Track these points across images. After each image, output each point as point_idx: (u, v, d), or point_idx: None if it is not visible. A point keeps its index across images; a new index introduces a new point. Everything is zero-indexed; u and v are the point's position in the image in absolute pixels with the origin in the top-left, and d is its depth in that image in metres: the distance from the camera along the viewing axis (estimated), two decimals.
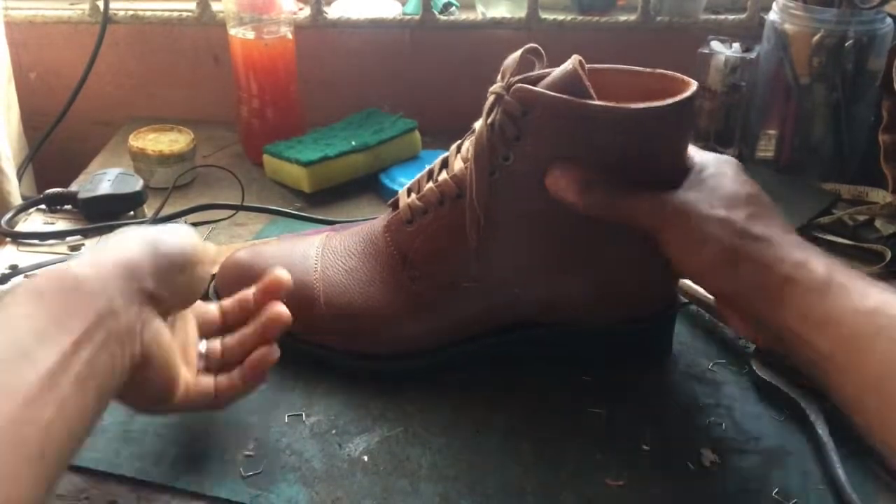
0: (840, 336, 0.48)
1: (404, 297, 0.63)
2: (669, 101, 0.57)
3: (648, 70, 0.62)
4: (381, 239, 0.65)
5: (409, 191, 0.65)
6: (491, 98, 0.60)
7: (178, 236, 0.51)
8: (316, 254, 0.66)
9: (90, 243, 0.76)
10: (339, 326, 0.63)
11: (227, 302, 0.60)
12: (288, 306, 0.57)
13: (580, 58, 0.58)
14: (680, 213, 0.55)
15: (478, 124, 0.61)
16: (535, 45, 0.61)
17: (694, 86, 0.59)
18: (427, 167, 0.66)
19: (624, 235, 0.58)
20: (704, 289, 0.65)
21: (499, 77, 0.60)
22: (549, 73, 0.59)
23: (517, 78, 0.59)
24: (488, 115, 0.60)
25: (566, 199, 0.57)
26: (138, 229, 0.51)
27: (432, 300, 0.63)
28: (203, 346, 0.57)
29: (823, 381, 0.49)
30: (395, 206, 0.66)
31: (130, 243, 0.49)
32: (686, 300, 0.71)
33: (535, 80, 0.59)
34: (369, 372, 0.64)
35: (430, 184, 0.63)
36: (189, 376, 0.54)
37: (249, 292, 0.59)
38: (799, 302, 0.50)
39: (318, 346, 0.64)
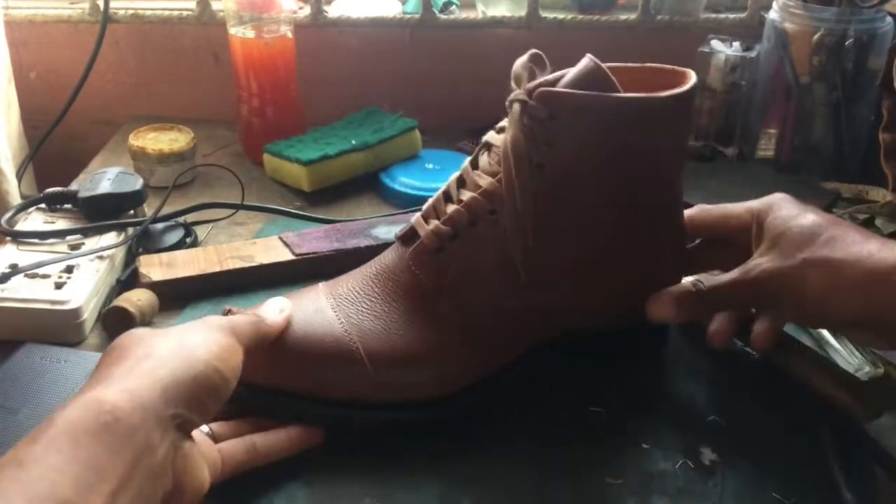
0: None
1: (448, 330, 0.58)
2: (686, 86, 0.58)
3: (645, 65, 0.62)
4: (404, 274, 0.59)
5: (426, 218, 0.61)
6: (516, 106, 0.57)
7: (219, 353, 0.48)
8: (329, 305, 0.59)
9: (90, 242, 0.76)
10: (387, 379, 0.57)
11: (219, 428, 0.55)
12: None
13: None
14: (815, 264, 0.56)
15: (492, 138, 0.60)
16: (538, 52, 0.60)
17: (692, 74, 0.60)
18: (438, 192, 0.62)
19: (648, 239, 0.59)
20: (837, 322, 0.61)
21: (513, 84, 0.59)
22: (562, 75, 0.58)
23: (536, 82, 0.58)
24: (515, 124, 0.57)
25: (687, 315, 0.60)
26: (176, 334, 0.49)
27: (479, 328, 0.58)
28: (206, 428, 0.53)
29: None
30: (409, 237, 0.61)
31: (169, 361, 0.46)
32: None
33: (553, 83, 0.57)
34: (416, 421, 0.58)
35: (454, 205, 0.59)
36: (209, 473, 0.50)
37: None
38: None
39: (361, 407, 0.57)
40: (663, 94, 0.57)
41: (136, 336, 0.48)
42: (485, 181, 0.59)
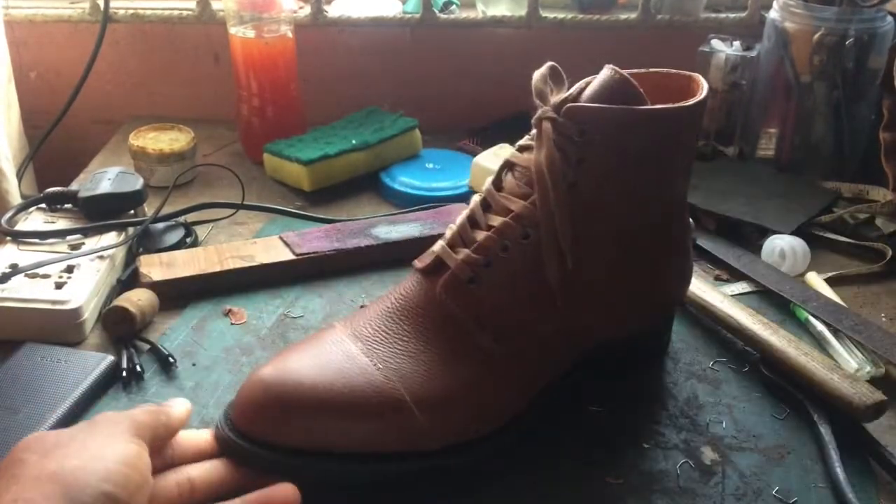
0: None
1: (492, 364, 0.55)
2: (703, 93, 0.58)
3: (655, 70, 0.61)
4: (436, 308, 0.56)
5: (452, 246, 0.57)
6: (546, 125, 0.55)
7: (120, 470, 0.44)
8: (359, 350, 0.54)
9: (90, 242, 0.76)
10: (438, 424, 0.53)
11: (201, 477, 0.51)
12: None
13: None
14: None
15: (516, 157, 0.58)
16: (554, 64, 0.59)
17: (702, 79, 0.59)
18: (462, 216, 0.59)
19: (660, 241, 0.59)
20: None
21: (536, 101, 0.57)
22: (583, 87, 0.57)
23: (561, 98, 0.56)
24: (548, 142, 0.55)
25: None
26: (76, 449, 0.44)
27: (521, 357, 0.56)
28: None
29: None
30: (434, 269, 0.57)
31: (70, 481, 0.42)
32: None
33: (576, 97, 0.56)
34: (469, 465, 0.55)
35: (483, 231, 0.56)
36: None
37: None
38: None
39: (415, 457, 0.53)
40: (687, 103, 0.57)
41: (36, 449, 0.45)
42: (516, 204, 0.56)
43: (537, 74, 0.58)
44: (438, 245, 0.58)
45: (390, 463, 0.52)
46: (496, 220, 0.56)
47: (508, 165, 0.59)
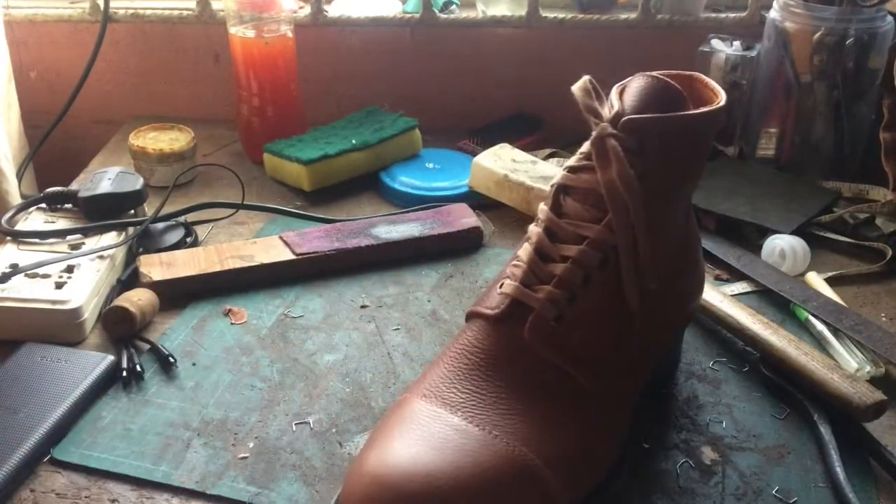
0: None
1: (599, 404, 0.51)
2: (722, 96, 0.56)
3: (657, 73, 0.61)
4: (525, 356, 0.51)
5: (526, 284, 0.53)
6: (612, 142, 0.52)
7: None
8: (464, 419, 0.48)
9: (90, 242, 0.76)
10: (572, 481, 0.48)
11: None
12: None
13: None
14: None
15: (569, 179, 0.55)
16: (590, 78, 0.56)
17: (704, 78, 0.59)
18: (528, 250, 0.54)
19: (695, 251, 0.59)
20: None
21: (587, 116, 0.54)
22: (621, 97, 0.55)
23: (614, 112, 0.53)
24: (617, 160, 0.52)
25: None
26: None
27: (615, 387, 0.53)
28: None
29: None
30: (508, 313, 0.52)
31: None
32: None
33: (623, 111, 0.54)
34: None
35: (557, 264, 0.53)
36: None
37: None
38: None
39: None
40: (720, 103, 0.55)
41: None
42: (589, 230, 0.53)
43: (579, 90, 0.55)
44: (509, 286, 0.53)
45: None
46: (570, 250, 0.53)
47: (563, 190, 0.55)
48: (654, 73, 0.55)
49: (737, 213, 0.84)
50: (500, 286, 0.54)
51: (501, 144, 0.91)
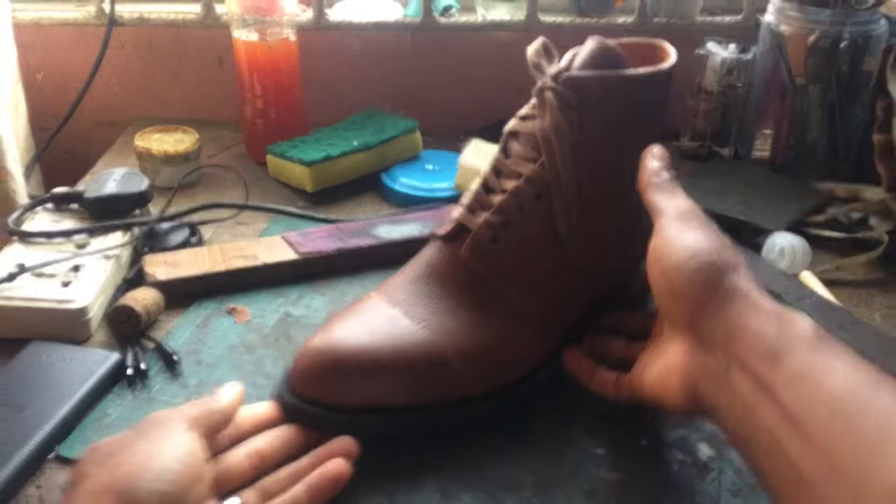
0: None
1: (522, 315, 0.60)
2: (673, 56, 0.63)
3: (624, 40, 0.65)
4: (462, 270, 0.60)
5: (471, 211, 0.62)
6: (548, 94, 0.60)
7: (181, 469, 0.46)
8: (400, 313, 0.59)
9: (96, 241, 0.77)
10: (476, 374, 0.58)
11: (266, 445, 0.54)
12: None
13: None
14: None
15: (518, 126, 0.63)
16: (545, 39, 0.64)
17: (666, 44, 0.65)
18: (477, 183, 0.63)
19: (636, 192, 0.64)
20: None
21: (533, 72, 0.62)
22: (573, 58, 0.61)
23: (557, 69, 0.61)
24: (552, 111, 0.60)
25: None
26: (142, 454, 0.46)
27: (544, 306, 0.61)
28: (236, 500, 0.51)
29: None
30: (455, 234, 0.62)
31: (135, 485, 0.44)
32: None
33: (568, 67, 0.61)
34: (503, 407, 0.60)
35: (498, 195, 0.61)
36: None
37: (302, 463, 0.53)
38: None
39: (451, 407, 0.58)
40: (664, 65, 0.62)
41: (94, 460, 0.47)
42: (526, 168, 0.61)
43: (531, 49, 0.63)
44: (458, 212, 0.62)
45: (438, 411, 0.57)
46: (509, 184, 0.61)
47: (512, 134, 0.63)
48: (606, 39, 0.61)
49: (730, 212, 0.85)
50: (452, 213, 0.63)
51: (474, 140, 0.92)
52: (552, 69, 0.61)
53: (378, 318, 0.58)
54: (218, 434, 0.53)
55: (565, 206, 0.61)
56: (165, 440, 0.48)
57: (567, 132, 0.60)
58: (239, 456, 0.53)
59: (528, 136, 0.62)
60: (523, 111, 0.64)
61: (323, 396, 0.55)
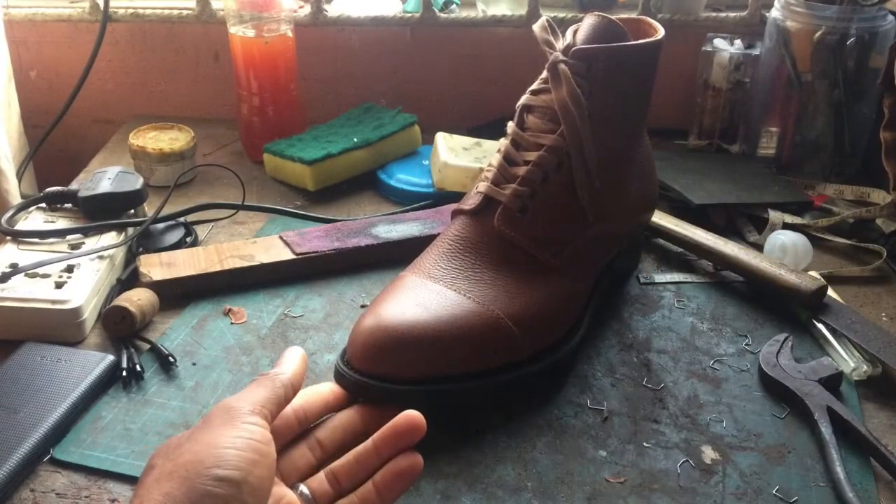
0: None
1: (559, 276, 0.64)
2: (662, 31, 0.68)
3: (617, 17, 0.69)
4: (496, 240, 0.63)
5: (496, 184, 0.65)
6: (562, 66, 0.64)
7: (249, 463, 0.45)
8: (445, 286, 0.61)
9: (90, 241, 0.76)
10: (530, 334, 0.61)
11: (327, 435, 0.54)
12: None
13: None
14: None
15: (532, 100, 0.67)
16: (548, 18, 0.69)
17: (651, 21, 0.70)
18: (498, 157, 0.66)
19: (646, 157, 0.73)
20: None
21: (544, 48, 0.67)
22: (575, 33, 0.67)
23: (566, 43, 0.65)
24: (567, 82, 0.64)
25: None
26: (206, 446, 0.46)
27: (574, 267, 0.65)
28: (304, 489, 0.51)
29: None
30: (482, 208, 0.64)
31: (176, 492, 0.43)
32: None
33: (574, 42, 0.66)
34: (551, 366, 0.63)
35: (521, 167, 0.65)
36: None
37: (367, 445, 0.52)
38: None
39: (512, 367, 0.60)
40: (657, 37, 0.68)
41: (162, 453, 0.47)
42: (546, 139, 0.65)
43: (538, 26, 0.68)
44: (483, 185, 0.65)
45: (497, 375, 0.59)
46: (531, 155, 0.65)
47: (526, 108, 0.67)
48: (603, 14, 0.67)
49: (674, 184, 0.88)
50: (477, 188, 0.66)
51: (440, 135, 0.92)
52: (561, 44, 0.66)
53: (425, 293, 0.60)
54: (284, 408, 0.52)
55: (587, 171, 0.65)
56: (228, 427, 0.47)
57: (583, 102, 0.64)
58: (301, 448, 0.53)
59: (544, 108, 0.66)
60: (535, 86, 0.67)
61: (389, 371, 0.56)
